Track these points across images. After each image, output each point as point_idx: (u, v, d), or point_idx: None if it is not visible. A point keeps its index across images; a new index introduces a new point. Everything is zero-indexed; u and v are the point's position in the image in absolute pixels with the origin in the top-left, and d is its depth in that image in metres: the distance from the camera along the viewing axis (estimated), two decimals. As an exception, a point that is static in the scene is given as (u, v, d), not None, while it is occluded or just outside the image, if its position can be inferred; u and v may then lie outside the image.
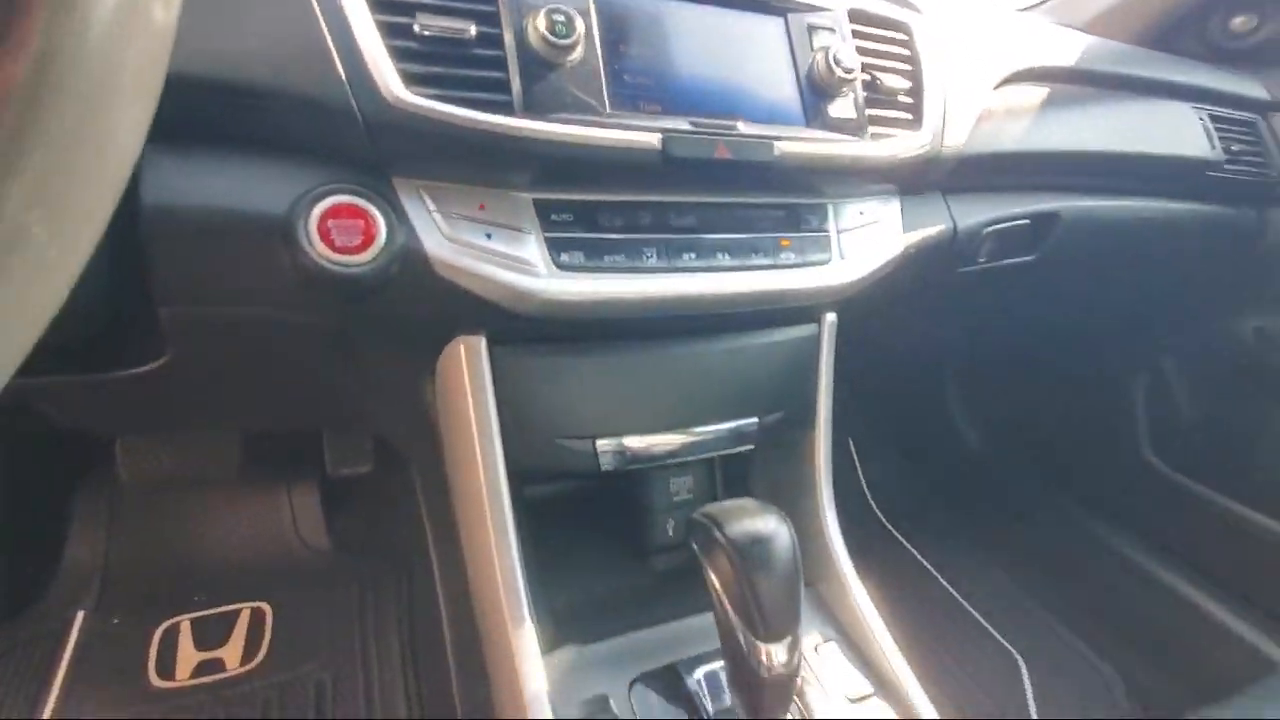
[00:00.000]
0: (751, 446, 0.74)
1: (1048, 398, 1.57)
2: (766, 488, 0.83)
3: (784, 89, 0.66)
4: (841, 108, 0.68)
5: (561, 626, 0.67)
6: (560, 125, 0.55)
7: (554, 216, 0.60)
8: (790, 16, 0.67)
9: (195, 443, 1.13)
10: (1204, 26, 1.16)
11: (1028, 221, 0.90)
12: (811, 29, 0.67)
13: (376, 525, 1.26)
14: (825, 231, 0.72)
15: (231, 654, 1.06)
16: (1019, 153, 0.85)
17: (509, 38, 0.54)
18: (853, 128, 0.69)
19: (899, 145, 0.71)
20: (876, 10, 0.74)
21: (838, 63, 0.65)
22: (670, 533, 0.82)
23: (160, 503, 1.17)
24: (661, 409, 0.69)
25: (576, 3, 0.56)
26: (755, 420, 0.73)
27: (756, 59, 0.65)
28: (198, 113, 0.49)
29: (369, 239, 0.53)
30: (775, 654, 0.51)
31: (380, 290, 0.55)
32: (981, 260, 0.89)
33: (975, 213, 0.84)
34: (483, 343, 0.62)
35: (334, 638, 1.09)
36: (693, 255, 0.64)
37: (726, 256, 0.65)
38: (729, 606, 0.52)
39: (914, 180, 0.77)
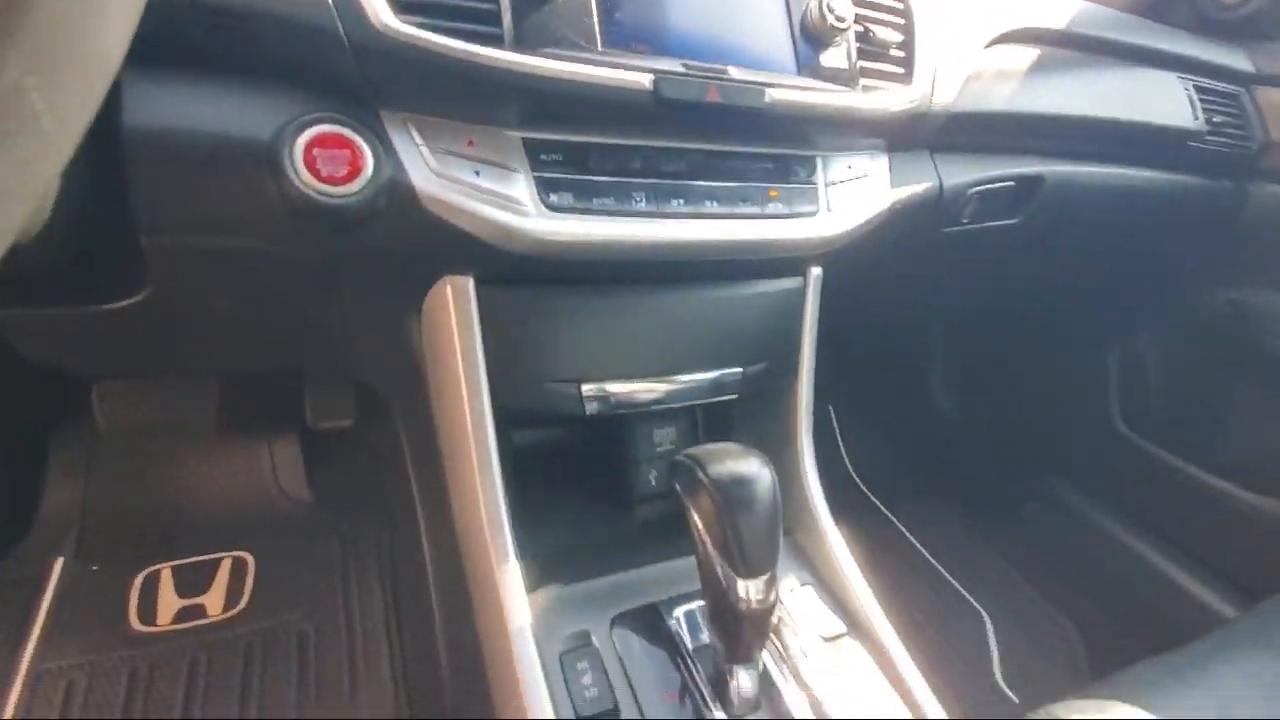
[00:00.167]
0: (734, 396, 0.75)
1: (1024, 366, 1.60)
2: (749, 439, 0.84)
3: (777, 36, 0.66)
4: (833, 58, 0.68)
5: (544, 568, 0.68)
6: (550, 61, 0.55)
7: (543, 156, 0.59)
8: None
9: (173, 391, 1.12)
10: (1195, -4, 1.16)
11: (1012, 184, 0.91)
12: None
13: (357, 479, 1.27)
14: (813, 184, 0.72)
15: (214, 601, 1.06)
16: (1007, 113, 0.85)
17: None
18: (844, 78, 0.69)
19: (889, 98, 0.72)
20: (870, -39, 0.73)
21: (831, 11, 0.65)
22: (653, 483, 0.83)
23: (139, 451, 1.16)
24: (647, 356, 0.69)
25: None
26: (739, 370, 0.74)
27: (750, 5, 0.65)
28: (180, 34, 0.48)
29: (355, 170, 0.52)
30: (753, 589, 0.53)
31: (367, 223, 0.54)
32: (965, 221, 0.90)
33: (961, 172, 0.85)
34: (470, 283, 0.62)
35: (316, 588, 1.10)
36: (681, 201, 0.64)
37: (715, 204, 0.65)
38: (710, 544, 0.53)
39: (903, 136, 0.78)
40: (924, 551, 1.48)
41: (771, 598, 0.54)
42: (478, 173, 0.57)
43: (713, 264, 0.69)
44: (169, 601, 1.05)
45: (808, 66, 0.66)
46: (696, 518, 0.54)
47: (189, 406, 1.13)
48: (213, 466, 1.21)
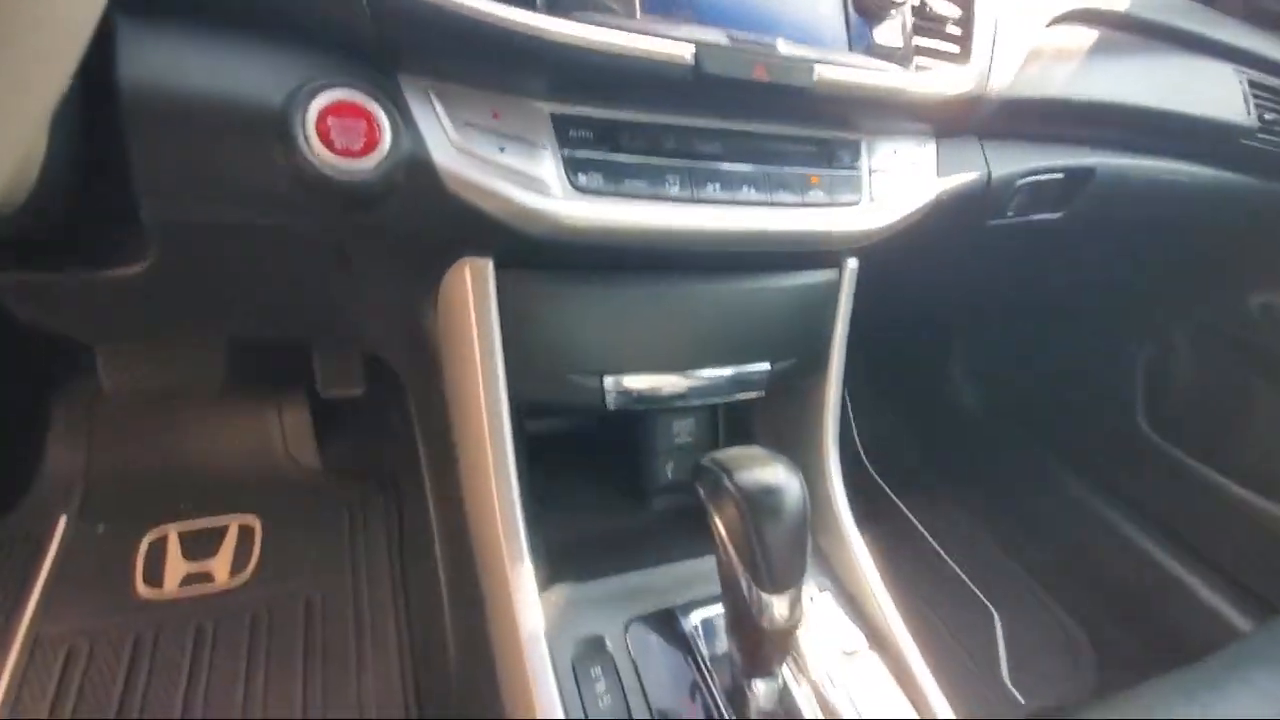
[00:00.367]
0: (761, 393, 0.71)
1: (1049, 361, 1.56)
2: (770, 434, 0.82)
3: (828, 6, 0.60)
4: (887, 33, 0.63)
5: (557, 562, 0.66)
6: (586, 27, 0.50)
7: (572, 133, 0.55)
8: None
9: (179, 354, 1.09)
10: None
11: (1061, 176, 0.86)
12: None
13: (366, 447, 1.25)
14: (856, 170, 0.67)
15: (220, 567, 1.06)
16: (1063, 99, 0.80)
17: None
18: (898, 56, 0.63)
19: (943, 80, 0.66)
20: (930, -73, 0.67)
21: None
22: (670, 475, 0.81)
23: (144, 412, 1.14)
24: (673, 348, 0.66)
25: None
26: (767, 366, 0.70)
27: None
28: None
29: (372, 142, 0.48)
30: (778, 605, 0.50)
31: (383, 201, 0.51)
32: (1010, 214, 0.85)
33: (1011, 162, 0.80)
34: (490, 266, 0.58)
35: (323, 556, 1.09)
36: (717, 186, 0.60)
37: (752, 190, 0.61)
38: (733, 554, 0.51)
39: (953, 121, 0.73)
40: (934, 544, 1.46)
41: (796, 615, 0.52)
42: (502, 149, 0.53)
43: (746, 255, 0.65)
44: (175, 566, 1.05)
45: (860, 41, 0.61)
46: (720, 525, 0.51)
47: (196, 369, 1.10)
48: (220, 430, 1.19)
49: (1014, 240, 0.94)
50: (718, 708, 0.56)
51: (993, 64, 0.70)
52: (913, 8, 0.65)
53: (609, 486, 0.83)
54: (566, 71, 0.52)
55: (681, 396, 0.67)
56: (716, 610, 0.62)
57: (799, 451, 0.77)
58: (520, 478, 0.61)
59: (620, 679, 0.57)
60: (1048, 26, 0.79)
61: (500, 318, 0.59)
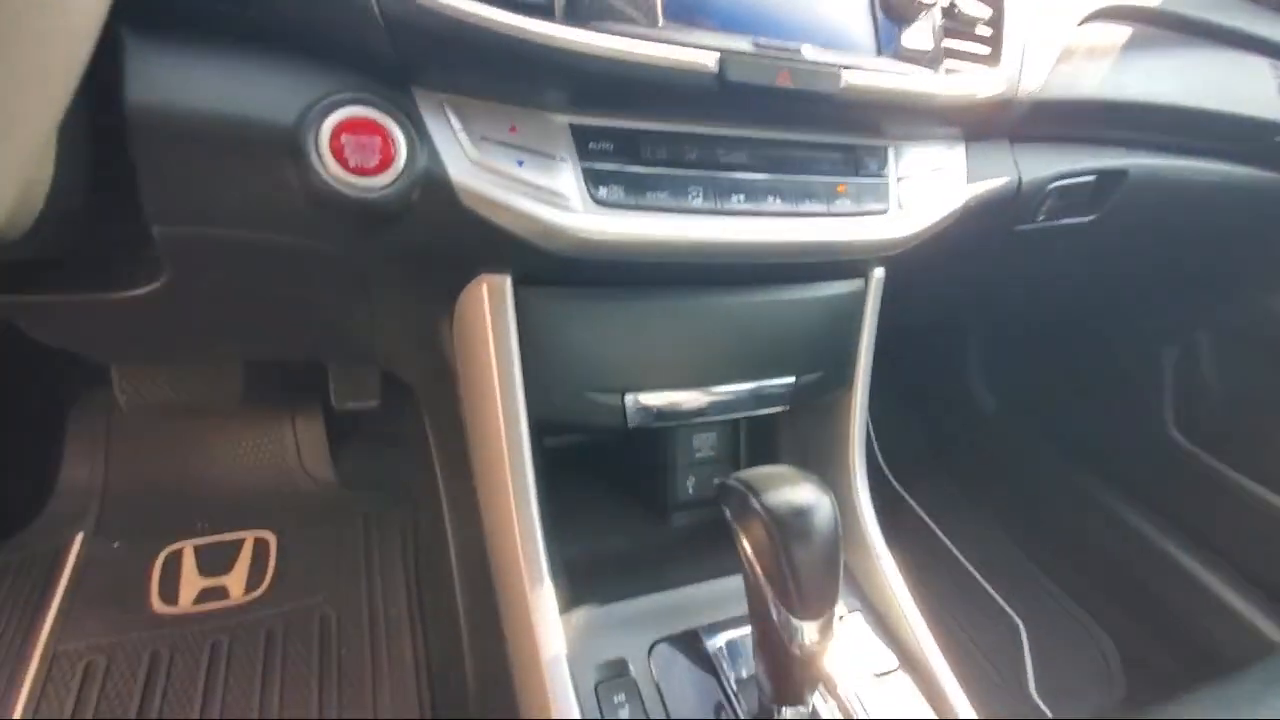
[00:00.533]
0: (786, 407, 0.69)
1: (1072, 365, 1.53)
2: (794, 448, 0.80)
3: (856, 10, 0.58)
4: (916, 36, 0.61)
5: (577, 582, 0.64)
6: (608, 37, 0.48)
7: (592, 145, 0.53)
8: None
9: (194, 370, 1.09)
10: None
11: (1093, 178, 0.83)
12: None
13: (381, 462, 1.24)
14: (884, 178, 0.65)
15: (235, 582, 1.05)
16: (1096, 100, 0.77)
17: None
18: (926, 59, 0.61)
19: (974, 83, 0.64)
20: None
21: None
22: (690, 490, 0.79)
23: (160, 428, 1.14)
24: (696, 364, 0.64)
25: None
26: (792, 380, 0.68)
27: None
28: None
29: (387, 159, 0.47)
30: (808, 632, 0.48)
31: (398, 218, 0.49)
32: (1040, 218, 0.83)
33: (1042, 165, 0.77)
34: (508, 282, 0.57)
35: (339, 572, 1.08)
36: (741, 198, 0.58)
37: (778, 201, 0.59)
38: (762, 579, 0.49)
39: (983, 125, 0.70)
40: (958, 554, 1.43)
41: (827, 640, 0.50)
42: (520, 163, 0.51)
43: (771, 267, 0.63)
44: (191, 581, 1.04)
45: (889, 45, 0.59)
46: (747, 547, 0.50)
47: (211, 385, 1.10)
48: (235, 445, 1.19)
49: (1040, 244, 0.91)
50: None
51: (1024, 65, 0.68)
52: (942, 9, 0.63)
53: (627, 501, 0.82)
54: (587, 83, 0.51)
55: (704, 413, 0.65)
56: (742, 632, 0.61)
57: (824, 465, 0.75)
58: (540, 498, 0.60)
59: (644, 703, 0.55)
60: (1079, 25, 0.76)
61: (519, 335, 0.58)
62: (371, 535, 1.12)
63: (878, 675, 0.61)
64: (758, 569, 0.49)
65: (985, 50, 0.66)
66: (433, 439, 0.90)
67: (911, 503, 1.53)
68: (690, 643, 0.60)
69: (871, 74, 0.58)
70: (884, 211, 0.64)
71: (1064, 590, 1.39)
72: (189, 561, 1.06)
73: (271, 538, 1.11)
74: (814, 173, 0.61)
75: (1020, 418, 1.62)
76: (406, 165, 0.47)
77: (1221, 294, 1.28)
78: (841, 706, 0.58)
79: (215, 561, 1.06)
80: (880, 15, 0.59)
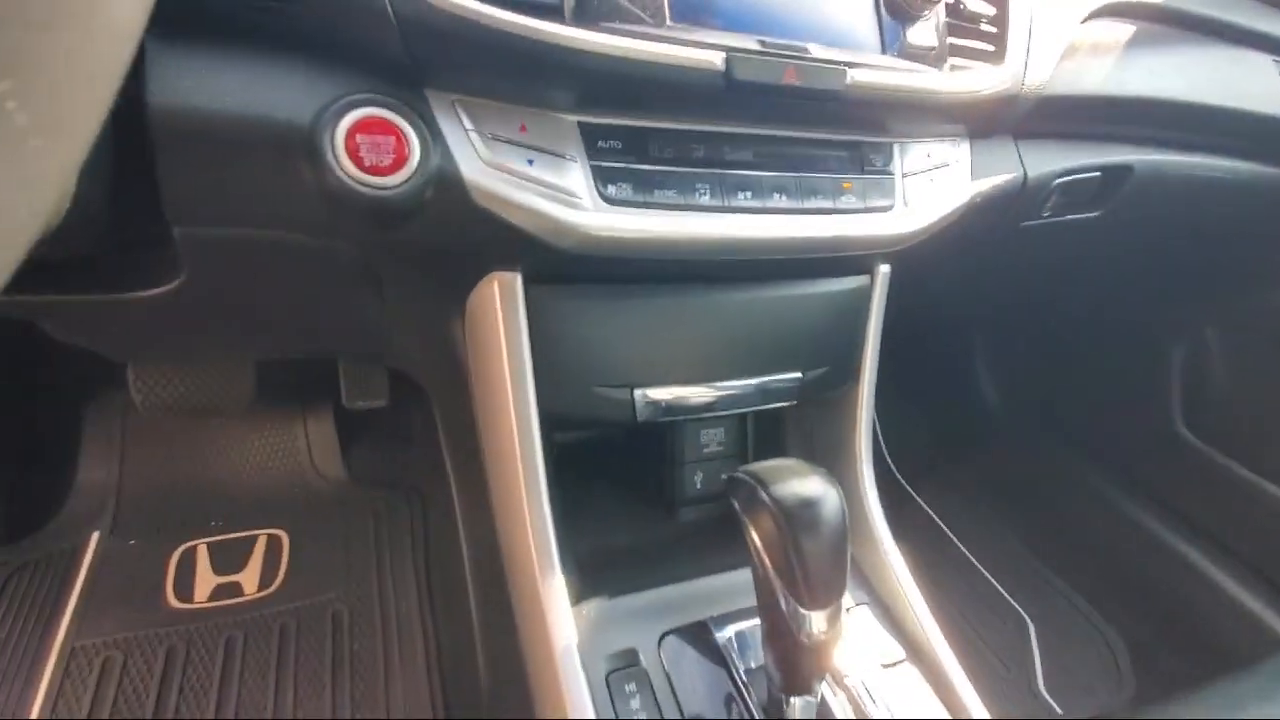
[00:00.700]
0: (792, 403, 0.70)
1: (1078, 362, 1.53)
2: (801, 441, 0.80)
3: (861, 8, 0.59)
4: (921, 34, 0.61)
5: (587, 576, 0.65)
6: (615, 37, 0.49)
7: (601, 143, 0.54)
8: None
9: (208, 370, 1.10)
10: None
11: (1099, 174, 0.84)
12: None
13: (392, 460, 1.25)
14: (890, 174, 0.66)
15: (249, 579, 1.06)
16: (1101, 96, 0.78)
17: None
18: (931, 57, 0.62)
19: (979, 80, 0.65)
20: (963, -76, 0.66)
21: None
22: (699, 485, 0.79)
23: (174, 428, 1.16)
24: (703, 359, 0.65)
25: None
26: (798, 375, 0.69)
27: None
28: (210, 3, 0.43)
29: (401, 159, 0.48)
30: (817, 622, 0.49)
31: (412, 217, 0.50)
32: (1045, 214, 0.83)
33: (1047, 161, 0.78)
34: (518, 280, 0.58)
35: (350, 569, 1.09)
36: (748, 194, 0.58)
37: (784, 198, 0.60)
38: (771, 570, 0.49)
39: (987, 121, 0.71)
40: (965, 550, 1.43)
41: (836, 630, 0.50)
42: (531, 161, 0.52)
43: (777, 263, 0.64)
44: (205, 578, 1.06)
45: (893, 42, 0.60)
46: (756, 539, 0.50)
47: (225, 385, 1.12)
48: (248, 443, 1.20)
49: (1046, 240, 0.92)
50: None
51: (1028, 62, 0.68)
52: (946, 7, 0.63)
53: (635, 496, 0.82)
54: (597, 82, 0.51)
55: (711, 408, 0.66)
56: (751, 623, 0.61)
57: (830, 460, 0.75)
58: (550, 492, 0.61)
59: (654, 693, 0.56)
60: (1083, 22, 0.77)
61: (529, 332, 0.59)
62: (382, 532, 1.13)
63: (885, 666, 0.62)
64: (766, 560, 0.50)
65: (990, 47, 0.67)
66: (443, 435, 0.91)
67: (918, 500, 1.53)
68: (699, 634, 0.61)
69: (877, 71, 0.58)
70: (890, 208, 0.65)
71: (1072, 587, 1.38)
72: (203, 559, 1.07)
73: (284, 535, 1.12)
74: (820, 170, 0.62)
75: (1027, 414, 1.62)
76: (420, 164, 0.48)
77: (1229, 290, 1.28)
78: (849, 696, 0.58)
79: (229, 559, 1.08)
80: (885, 13, 0.60)
